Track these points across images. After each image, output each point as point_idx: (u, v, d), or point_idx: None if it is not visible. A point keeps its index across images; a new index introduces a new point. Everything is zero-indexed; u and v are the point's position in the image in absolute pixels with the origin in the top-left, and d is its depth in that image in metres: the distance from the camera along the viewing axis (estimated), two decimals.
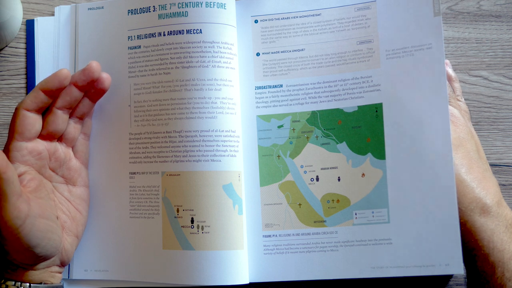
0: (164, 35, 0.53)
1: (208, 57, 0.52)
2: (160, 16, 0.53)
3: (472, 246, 0.48)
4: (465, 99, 0.56)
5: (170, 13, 0.53)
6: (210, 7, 0.52)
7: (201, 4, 0.52)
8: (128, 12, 0.55)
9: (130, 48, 0.54)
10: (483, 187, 0.49)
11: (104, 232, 0.53)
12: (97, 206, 0.54)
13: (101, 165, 0.54)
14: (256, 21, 0.55)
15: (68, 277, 0.53)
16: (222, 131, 0.51)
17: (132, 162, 0.53)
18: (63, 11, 0.57)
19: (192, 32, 0.52)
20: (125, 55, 0.55)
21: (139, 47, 0.54)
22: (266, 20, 0.55)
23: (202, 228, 0.50)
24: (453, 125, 0.51)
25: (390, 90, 0.52)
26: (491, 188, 0.49)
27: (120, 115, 0.54)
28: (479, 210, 0.48)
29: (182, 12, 0.53)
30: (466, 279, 0.53)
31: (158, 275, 0.51)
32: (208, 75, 0.51)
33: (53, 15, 0.58)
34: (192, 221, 0.50)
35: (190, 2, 0.52)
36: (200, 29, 0.52)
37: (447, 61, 0.56)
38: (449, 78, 0.55)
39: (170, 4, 0.53)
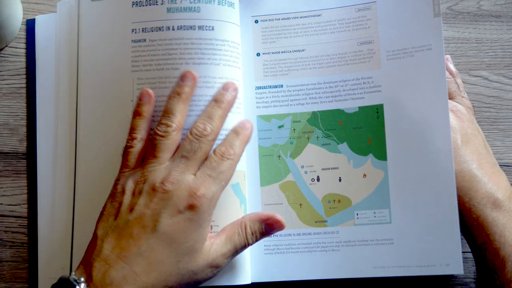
0: (173, 29, 0.52)
1: (220, 55, 0.51)
2: (169, 10, 0.52)
3: (483, 240, 0.48)
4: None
5: (181, 7, 0.52)
6: (222, 5, 0.52)
7: (214, 1, 0.52)
8: (133, 4, 0.54)
9: (134, 41, 0.53)
10: (494, 181, 0.49)
11: None
12: (99, 205, 0.53)
13: (102, 163, 0.53)
14: (256, 21, 0.56)
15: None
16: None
17: None
18: (65, 6, 0.56)
19: (204, 29, 0.51)
20: (128, 48, 0.53)
21: (144, 40, 0.53)
22: (266, 20, 0.55)
23: (211, 228, 0.50)
24: (460, 122, 0.51)
25: (391, 91, 0.52)
26: (502, 182, 0.49)
27: (122, 110, 0.53)
28: (491, 205, 0.48)
29: (194, 7, 0.52)
30: (475, 274, 0.54)
31: None
32: (219, 73, 0.51)
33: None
34: None
35: None
36: (213, 26, 0.51)
37: (447, 56, 0.56)
38: (452, 74, 0.55)
39: None
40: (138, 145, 0.49)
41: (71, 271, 0.53)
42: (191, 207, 0.44)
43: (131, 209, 0.45)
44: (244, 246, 0.47)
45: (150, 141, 0.48)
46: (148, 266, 0.43)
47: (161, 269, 0.44)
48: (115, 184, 0.48)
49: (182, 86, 0.49)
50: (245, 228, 0.47)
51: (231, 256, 0.47)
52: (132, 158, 0.48)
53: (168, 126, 0.47)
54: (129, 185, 0.46)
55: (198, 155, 0.46)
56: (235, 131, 0.49)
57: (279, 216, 0.48)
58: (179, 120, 0.48)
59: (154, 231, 0.44)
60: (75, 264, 0.53)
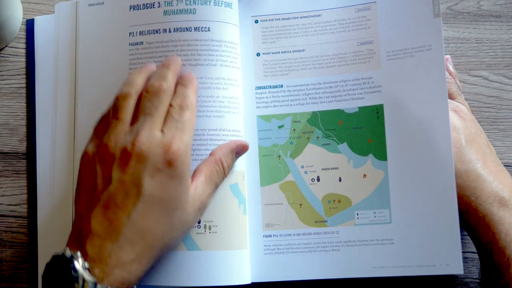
0: (170, 31, 0.52)
1: (216, 55, 0.51)
2: (165, 13, 0.53)
3: (489, 240, 0.48)
4: (465, 99, 0.56)
5: (177, 9, 0.53)
6: (218, 5, 0.52)
7: (210, 2, 0.52)
8: (130, 8, 0.54)
9: (131, 44, 0.54)
10: (499, 180, 0.49)
11: None
12: None
13: None
14: (256, 21, 0.56)
15: None
16: (229, 130, 0.51)
17: None
18: (63, 8, 0.57)
19: (200, 30, 0.52)
20: (126, 51, 0.54)
21: (142, 43, 0.53)
22: (266, 20, 0.55)
23: (210, 228, 0.50)
24: (463, 122, 0.51)
25: (391, 91, 0.52)
26: (507, 181, 0.49)
27: None
28: (497, 204, 0.48)
29: (190, 9, 0.52)
30: (479, 272, 0.54)
31: (160, 276, 0.51)
32: (216, 73, 0.51)
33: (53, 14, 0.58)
34: (199, 221, 0.50)
35: (198, 0, 0.52)
36: (209, 27, 0.52)
37: (447, 56, 0.56)
38: (451, 74, 0.55)
39: (177, 0, 0.52)
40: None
41: None
42: (169, 163, 0.44)
43: (108, 179, 0.44)
44: (222, 180, 0.49)
45: (112, 107, 0.48)
46: (142, 231, 0.43)
47: (155, 231, 0.44)
48: (84, 154, 0.47)
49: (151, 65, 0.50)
50: (222, 164, 0.48)
51: (213, 193, 0.48)
52: (102, 126, 0.48)
53: (128, 90, 0.47)
54: (99, 153, 0.46)
55: (160, 110, 0.46)
56: (182, 84, 0.48)
57: (243, 141, 0.51)
58: (140, 87, 0.48)
59: (139, 195, 0.43)
60: None
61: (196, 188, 0.46)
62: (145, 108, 0.46)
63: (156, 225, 0.44)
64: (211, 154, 0.49)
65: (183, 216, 0.45)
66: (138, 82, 0.48)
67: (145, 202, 0.43)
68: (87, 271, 0.41)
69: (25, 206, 0.56)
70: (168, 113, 0.46)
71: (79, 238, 0.43)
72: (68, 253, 0.41)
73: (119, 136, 0.45)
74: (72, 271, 0.40)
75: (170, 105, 0.47)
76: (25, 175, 0.56)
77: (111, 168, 0.44)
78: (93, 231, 0.42)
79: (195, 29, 0.52)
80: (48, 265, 0.42)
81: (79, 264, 0.41)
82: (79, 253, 0.41)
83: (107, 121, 0.48)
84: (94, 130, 0.48)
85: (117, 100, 0.47)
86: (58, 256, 0.42)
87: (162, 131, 0.45)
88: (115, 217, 0.43)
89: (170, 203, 0.44)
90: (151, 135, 0.45)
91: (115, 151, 0.45)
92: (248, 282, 0.51)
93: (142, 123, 0.45)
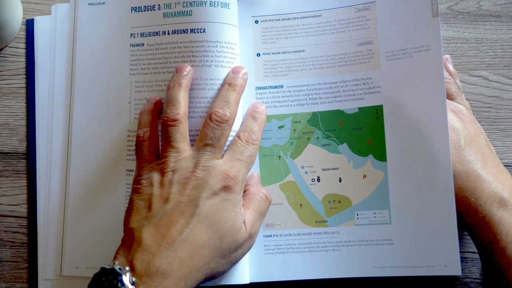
0: (168, 33, 0.53)
1: (211, 56, 0.52)
2: (165, 15, 0.53)
3: (490, 240, 0.48)
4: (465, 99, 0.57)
5: (175, 12, 0.53)
6: (214, 6, 0.52)
7: (205, 3, 0.52)
8: (132, 10, 0.55)
9: (132, 45, 0.54)
10: (499, 181, 0.49)
11: (97, 229, 0.53)
12: (91, 202, 0.53)
13: (97, 161, 0.54)
14: (256, 22, 0.55)
15: (60, 273, 0.53)
16: None
17: (130, 160, 0.53)
18: (60, 9, 0.57)
19: (195, 32, 0.52)
20: (127, 52, 0.54)
21: (142, 44, 0.54)
22: (266, 20, 0.55)
23: None
24: (463, 122, 0.51)
25: (390, 92, 0.52)
26: (507, 181, 0.49)
27: (119, 112, 0.54)
28: (497, 204, 0.48)
29: (187, 11, 0.53)
30: (479, 272, 0.54)
31: None
32: (211, 74, 0.51)
33: None
34: None
35: (194, 1, 0.52)
36: (204, 29, 0.52)
37: (447, 56, 0.56)
38: (451, 74, 0.55)
39: (175, 3, 0.53)
40: (149, 138, 0.50)
41: (61, 270, 0.53)
42: (226, 188, 0.46)
43: (166, 199, 0.45)
44: (267, 209, 0.51)
45: (162, 132, 0.49)
46: (192, 250, 0.44)
47: (204, 252, 0.44)
48: (138, 179, 0.48)
49: (180, 77, 0.50)
50: (266, 197, 0.50)
51: (260, 225, 0.50)
52: (147, 151, 0.49)
53: (176, 114, 0.48)
54: (156, 178, 0.47)
55: (221, 142, 0.48)
56: (252, 117, 0.51)
57: (257, 172, 0.53)
58: (184, 107, 0.49)
59: (194, 215, 0.45)
60: (67, 264, 0.53)
61: (245, 220, 0.47)
62: (207, 138, 0.48)
63: (206, 246, 0.44)
64: (245, 191, 0.50)
65: (232, 244, 0.46)
66: (181, 102, 0.49)
67: (199, 221, 0.45)
68: (133, 287, 0.41)
69: (25, 206, 0.56)
70: (234, 143, 0.49)
71: (128, 252, 0.44)
72: (117, 266, 0.42)
73: (178, 163, 0.47)
74: (119, 284, 0.41)
75: (238, 136, 0.49)
76: (25, 175, 0.56)
77: (169, 190, 0.46)
78: (144, 246, 0.43)
79: (191, 30, 0.52)
80: (96, 276, 0.43)
81: (126, 278, 0.41)
82: (127, 268, 0.42)
83: (145, 142, 0.49)
84: (137, 155, 0.50)
85: (166, 126, 0.48)
86: (107, 268, 0.42)
87: (222, 157, 0.48)
88: (168, 233, 0.44)
89: (223, 227, 0.45)
90: (211, 164, 0.47)
91: (174, 176, 0.46)
92: (247, 282, 0.51)
93: (203, 153, 0.47)
